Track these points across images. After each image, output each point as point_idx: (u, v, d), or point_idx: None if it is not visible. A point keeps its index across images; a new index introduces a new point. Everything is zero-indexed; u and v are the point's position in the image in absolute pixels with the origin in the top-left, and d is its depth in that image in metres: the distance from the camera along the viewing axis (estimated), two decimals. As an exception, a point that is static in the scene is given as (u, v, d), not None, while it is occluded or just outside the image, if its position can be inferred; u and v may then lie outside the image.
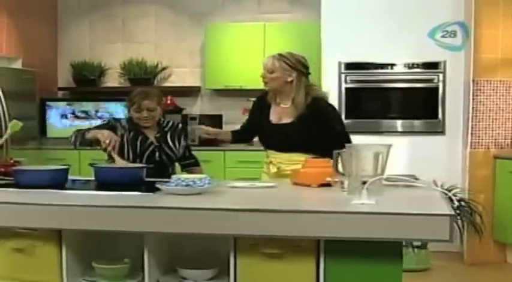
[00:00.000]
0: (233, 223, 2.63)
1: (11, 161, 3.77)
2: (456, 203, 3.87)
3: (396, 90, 6.44)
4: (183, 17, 7.93)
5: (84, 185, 3.50)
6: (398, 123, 6.42)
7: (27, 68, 7.18)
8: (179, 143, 4.23)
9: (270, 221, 2.61)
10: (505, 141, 6.05)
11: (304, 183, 3.31)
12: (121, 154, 3.92)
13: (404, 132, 6.40)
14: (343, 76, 6.42)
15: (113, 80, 8.07)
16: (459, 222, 5.59)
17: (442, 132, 6.33)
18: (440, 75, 6.28)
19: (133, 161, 3.98)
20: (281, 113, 4.04)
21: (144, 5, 8.00)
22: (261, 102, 4.18)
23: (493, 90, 6.00)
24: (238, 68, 7.29)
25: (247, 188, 3.30)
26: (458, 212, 5.56)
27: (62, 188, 3.23)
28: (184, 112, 7.52)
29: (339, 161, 3.06)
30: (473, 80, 5.98)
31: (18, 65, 7.22)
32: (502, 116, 6.04)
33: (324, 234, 2.59)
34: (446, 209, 2.56)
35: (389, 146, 2.95)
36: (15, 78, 6.90)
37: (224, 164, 7.11)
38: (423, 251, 5.62)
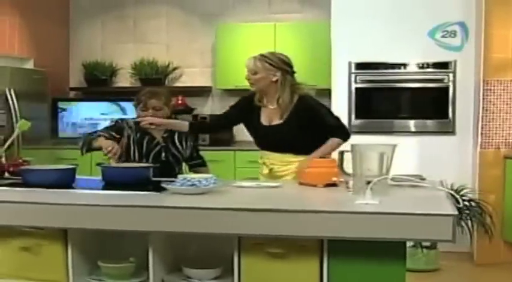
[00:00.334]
0: (237, 223, 2.65)
1: (20, 161, 3.80)
2: (461, 203, 3.85)
3: (406, 90, 6.42)
4: (194, 18, 7.95)
5: (91, 184, 3.52)
6: (408, 123, 6.40)
7: (39, 68, 7.22)
8: (186, 144, 4.25)
9: (274, 220, 2.62)
10: (515, 141, 6.03)
11: (310, 183, 3.32)
12: (123, 160, 4.02)
13: (414, 132, 6.37)
14: (353, 76, 6.40)
15: (125, 80, 8.10)
16: (469, 222, 5.58)
17: (452, 132, 6.30)
18: (451, 75, 6.26)
19: (140, 161, 4.02)
20: (271, 115, 4.01)
21: (155, 6, 8.03)
22: (250, 103, 4.11)
23: (504, 90, 5.97)
24: (248, 68, 7.28)
25: (253, 187, 3.32)
26: (467, 212, 5.56)
27: (69, 187, 3.25)
28: (195, 112, 7.53)
29: (344, 160, 3.07)
30: (483, 80, 5.95)
31: (30, 65, 7.27)
32: (513, 116, 6.02)
33: (327, 234, 2.61)
34: (450, 209, 2.56)
35: (394, 146, 2.96)
36: (27, 78, 6.94)
37: (234, 164, 7.11)
38: (432, 252, 5.60)
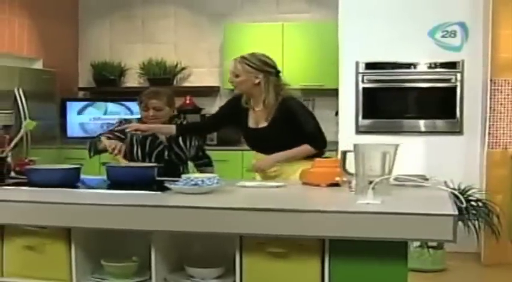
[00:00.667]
0: (239, 222, 2.65)
1: (26, 160, 3.83)
2: (465, 203, 3.84)
3: (414, 90, 6.41)
4: (202, 18, 7.97)
5: (95, 184, 3.54)
6: (416, 123, 6.39)
7: (47, 68, 7.27)
8: (190, 143, 4.26)
9: (275, 220, 2.62)
10: (523, 141, 6.01)
11: (313, 183, 3.33)
12: (128, 158, 4.02)
13: (421, 132, 6.37)
14: (360, 76, 6.40)
15: (133, 80, 8.14)
16: (476, 222, 5.57)
17: (459, 132, 6.29)
18: (458, 75, 6.24)
19: (143, 161, 4.04)
20: (257, 117, 4.01)
21: (163, 6, 8.06)
22: (238, 104, 4.08)
23: (511, 89, 5.95)
24: (256, 68, 7.30)
25: (256, 187, 3.33)
26: (474, 212, 5.54)
27: (73, 187, 3.27)
28: (203, 112, 7.55)
29: (347, 160, 3.08)
30: (491, 80, 5.94)
31: (39, 65, 7.33)
32: (520, 115, 6.00)
33: (329, 233, 2.60)
34: (451, 209, 2.55)
35: (396, 146, 2.95)
36: (36, 78, 6.99)
37: (242, 163, 7.11)
38: (439, 252, 5.59)
